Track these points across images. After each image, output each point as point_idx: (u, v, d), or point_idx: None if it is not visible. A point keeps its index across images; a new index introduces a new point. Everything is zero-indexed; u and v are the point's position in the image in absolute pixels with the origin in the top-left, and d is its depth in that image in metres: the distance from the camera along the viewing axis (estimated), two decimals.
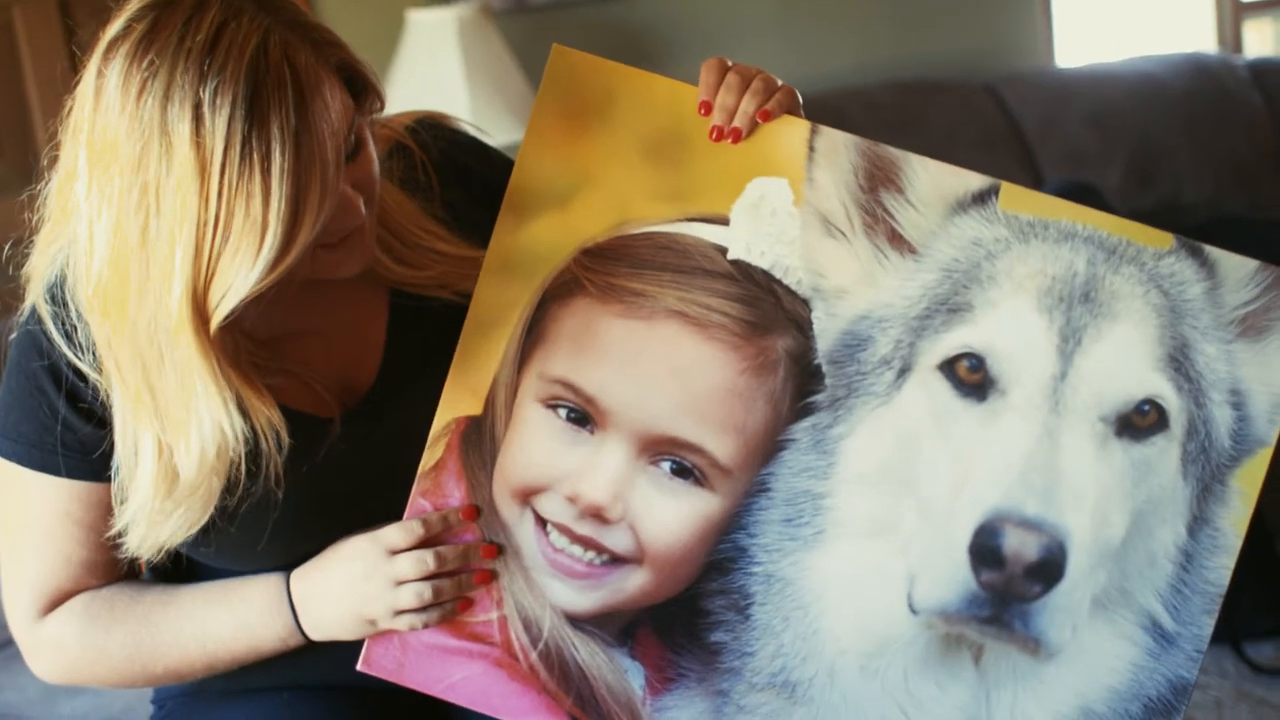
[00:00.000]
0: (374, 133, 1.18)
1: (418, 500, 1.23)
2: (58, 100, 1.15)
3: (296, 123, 1.06)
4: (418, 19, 3.17)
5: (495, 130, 2.94)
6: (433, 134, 1.32)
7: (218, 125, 1.04)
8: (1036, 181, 3.61)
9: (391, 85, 3.08)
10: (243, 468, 1.15)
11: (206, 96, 1.05)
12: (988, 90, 3.80)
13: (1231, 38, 4.40)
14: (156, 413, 1.13)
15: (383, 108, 1.18)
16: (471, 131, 1.36)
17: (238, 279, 1.06)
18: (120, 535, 1.20)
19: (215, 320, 1.08)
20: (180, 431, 1.13)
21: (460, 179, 1.31)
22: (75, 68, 1.08)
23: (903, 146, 1.23)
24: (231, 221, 1.05)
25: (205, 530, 1.19)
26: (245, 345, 1.16)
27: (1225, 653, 2.44)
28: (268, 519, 1.20)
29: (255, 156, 1.05)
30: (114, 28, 1.10)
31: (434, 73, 3.11)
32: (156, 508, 1.16)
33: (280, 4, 1.11)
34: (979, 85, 3.82)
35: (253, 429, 1.14)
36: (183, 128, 1.05)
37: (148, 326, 1.09)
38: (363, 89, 1.14)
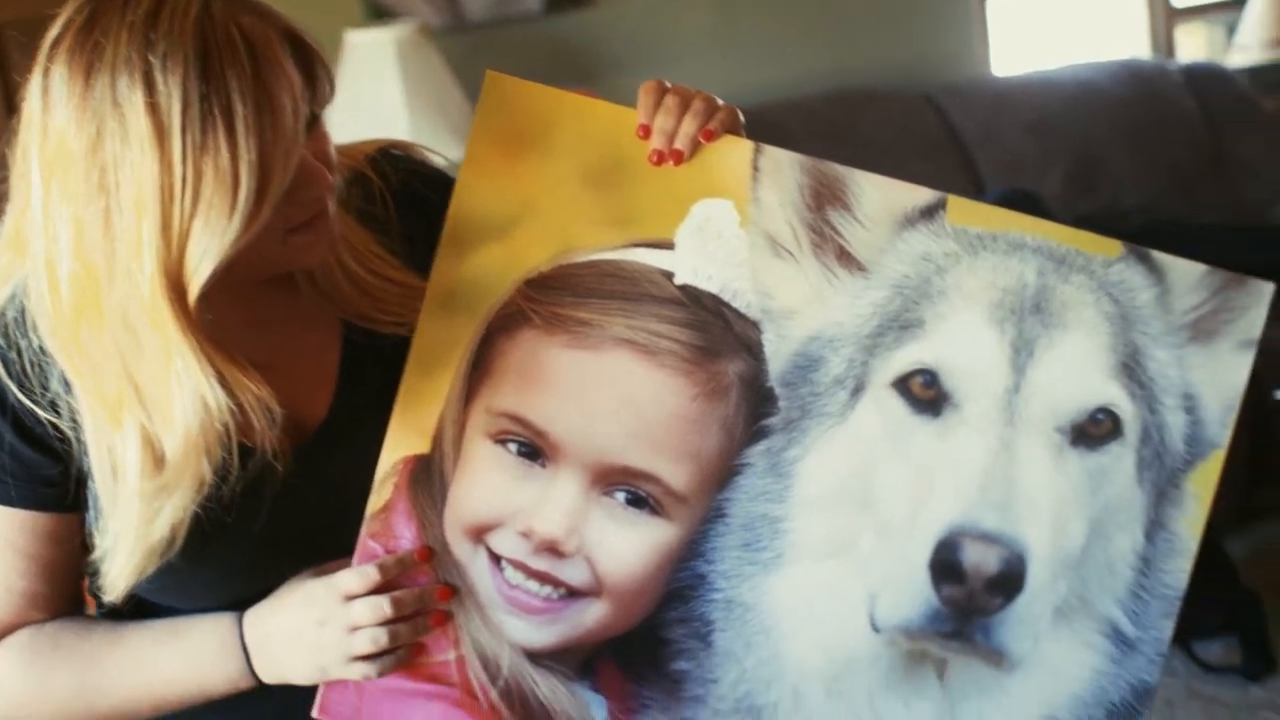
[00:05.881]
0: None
1: (367, 543, 1.21)
2: None
3: (253, 76, 1.04)
4: (356, 40, 3.15)
5: (437, 149, 2.92)
6: (394, 164, 1.30)
7: (171, 87, 1.02)
8: (978, 190, 3.63)
9: (330, 107, 3.05)
10: (235, 451, 1.12)
11: (156, 62, 1.02)
12: (927, 100, 3.83)
13: (1165, 43, 4.45)
14: (141, 403, 1.10)
15: (332, 93, 1.15)
16: (438, 162, 1.34)
17: (213, 241, 1.04)
18: (97, 564, 1.16)
19: (193, 290, 1.05)
20: (164, 415, 1.09)
21: (420, 211, 1.29)
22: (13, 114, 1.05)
23: (843, 158, 1.21)
24: (201, 182, 1.03)
25: (182, 548, 1.16)
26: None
27: (1174, 652, 2.46)
28: (231, 547, 1.18)
29: (216, 111, 1.02)
30: (53, 30, 1.08)
31: (373, 93, 3.08)
32: (145, 506, 1.12)
33: None
34: (917, 95, 3.85)
35: (239, 406, 1.10)
36: (135, 97, 1.02)
37: (122, 312, 1.07)
38: (309, 65, 1.11)
